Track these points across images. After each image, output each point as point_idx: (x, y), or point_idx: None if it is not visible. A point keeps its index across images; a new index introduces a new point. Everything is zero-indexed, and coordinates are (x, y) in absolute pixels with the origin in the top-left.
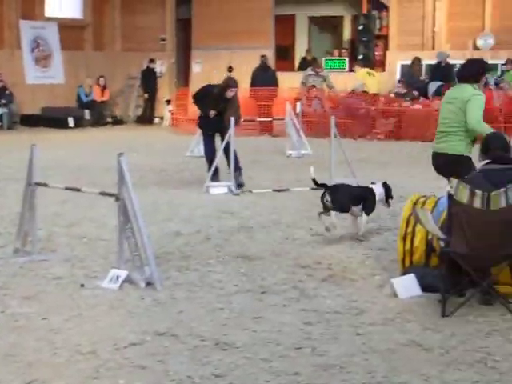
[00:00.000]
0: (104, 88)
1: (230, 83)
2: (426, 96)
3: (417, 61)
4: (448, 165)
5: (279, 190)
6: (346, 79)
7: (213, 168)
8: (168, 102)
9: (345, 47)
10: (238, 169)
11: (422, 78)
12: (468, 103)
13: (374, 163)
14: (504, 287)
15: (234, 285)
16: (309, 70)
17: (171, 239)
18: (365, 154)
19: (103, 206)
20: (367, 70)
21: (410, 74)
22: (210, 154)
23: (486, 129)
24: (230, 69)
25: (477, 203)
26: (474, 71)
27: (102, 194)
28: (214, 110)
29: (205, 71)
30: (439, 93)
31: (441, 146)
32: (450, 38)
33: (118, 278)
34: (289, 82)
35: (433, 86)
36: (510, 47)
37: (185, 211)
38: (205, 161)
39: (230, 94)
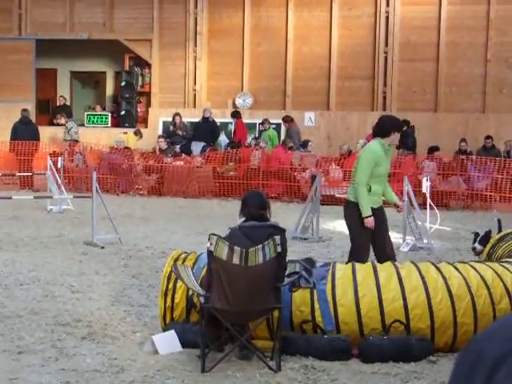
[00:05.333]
0: None
1: None
2: (187, 153)
3: (177, 117)
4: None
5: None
6: (108, 135)
7: None
8: None
9: (108, 103)
10: None
11: (182, 134)
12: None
13: (137, 219)
14: (261, 341)
15: None
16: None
17: None
18: (127, 209)
19: None
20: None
21: (170, 131)
22: None
23: (361, 192)
24: None
25: (235, 259)
26: (384, 127)
27: None
28: None
29: None
30: (204, 152)
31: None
32: (211, 96)
33: None
34: (50, 135)
35: (196, 147)
36: (267, 107)
37: None
38: None
39: None
